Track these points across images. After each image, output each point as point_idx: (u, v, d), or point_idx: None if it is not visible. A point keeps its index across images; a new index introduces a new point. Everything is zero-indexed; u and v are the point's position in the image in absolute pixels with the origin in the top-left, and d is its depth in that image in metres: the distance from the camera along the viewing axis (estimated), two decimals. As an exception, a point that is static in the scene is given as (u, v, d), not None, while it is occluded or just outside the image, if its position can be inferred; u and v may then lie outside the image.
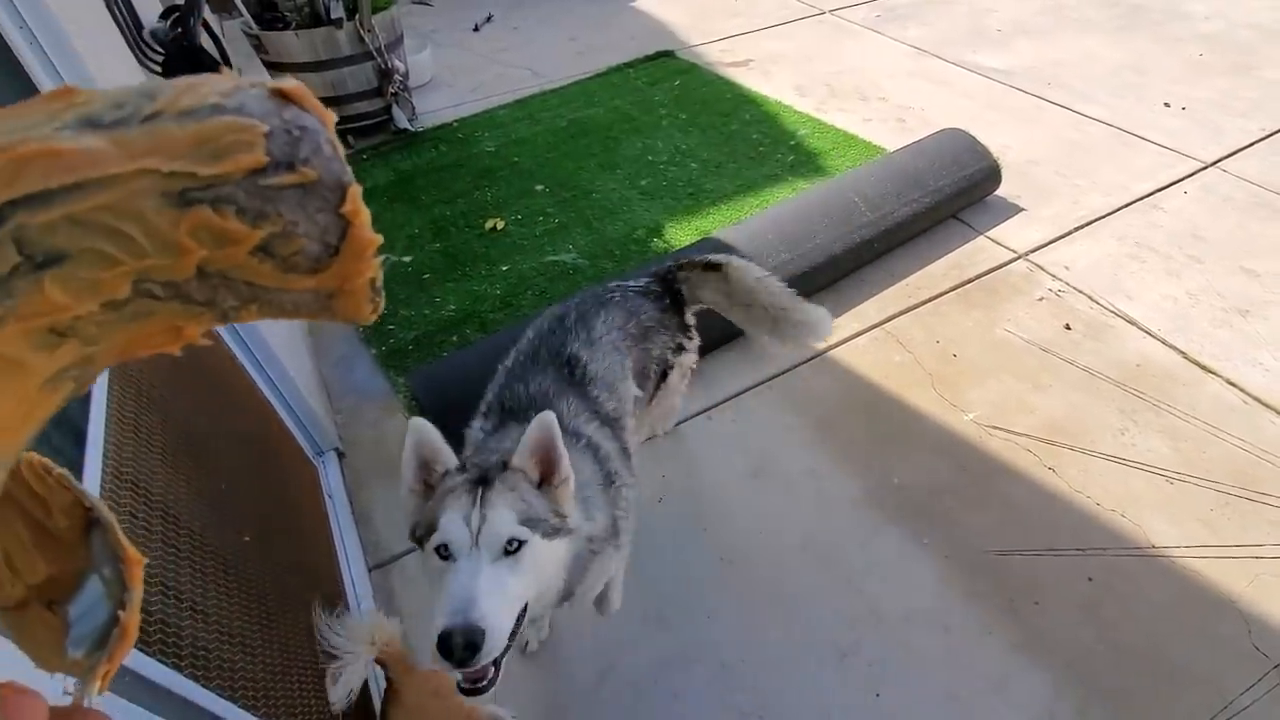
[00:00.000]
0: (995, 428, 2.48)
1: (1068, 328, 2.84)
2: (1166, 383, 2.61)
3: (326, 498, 2.21)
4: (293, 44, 3.65)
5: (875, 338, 2.86)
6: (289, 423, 2.16)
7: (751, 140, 4.05)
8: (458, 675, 1.08)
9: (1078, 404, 2.55)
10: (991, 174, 3.38)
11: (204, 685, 1.13)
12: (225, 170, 0.29)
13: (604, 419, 1.60)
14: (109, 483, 1.16)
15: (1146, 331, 2.82)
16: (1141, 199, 3.50)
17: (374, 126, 4.12)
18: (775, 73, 4.78)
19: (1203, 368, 2.67)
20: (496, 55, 5.17)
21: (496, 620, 1.04)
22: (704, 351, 2.79)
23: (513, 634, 1.10)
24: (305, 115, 0.32)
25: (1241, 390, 2.57)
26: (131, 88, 0.31)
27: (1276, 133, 3.92)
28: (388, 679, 1.54)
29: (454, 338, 2.88)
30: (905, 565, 2.13)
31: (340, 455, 2.42)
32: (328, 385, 2.73)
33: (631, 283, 1.96)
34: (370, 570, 2.13)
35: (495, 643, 1.03)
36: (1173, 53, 4.76)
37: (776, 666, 1.94)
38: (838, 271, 3.04)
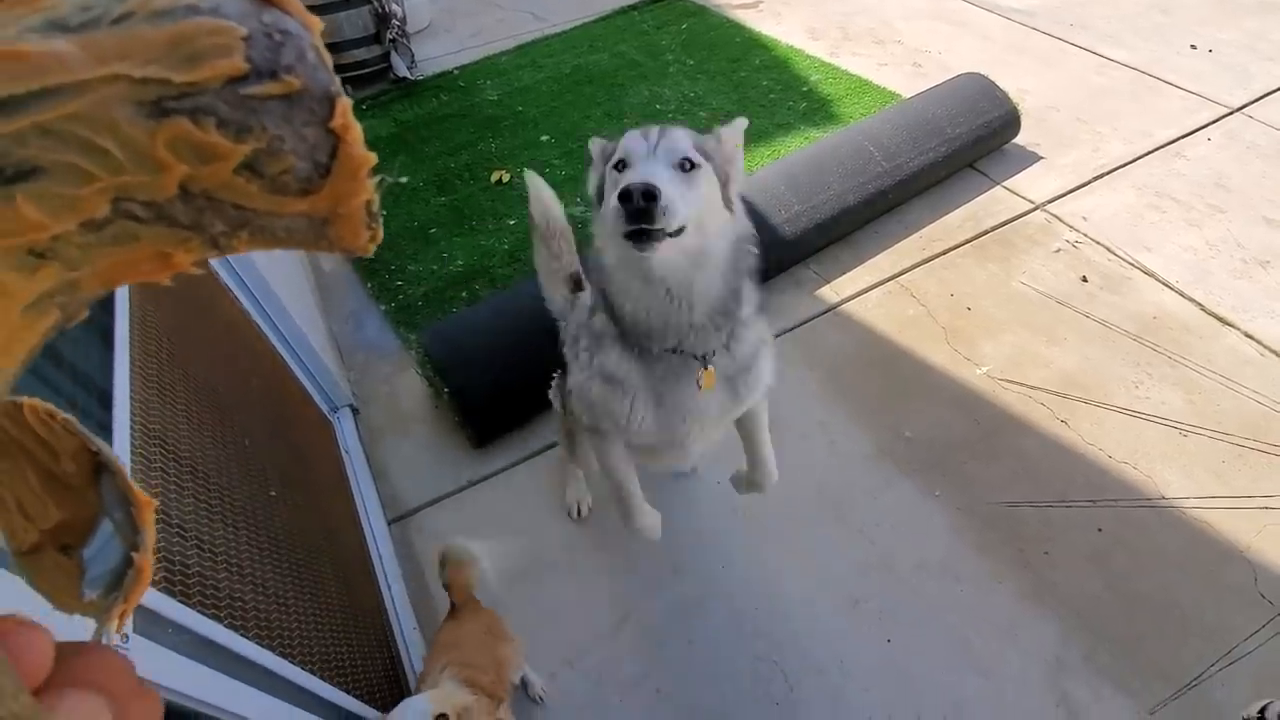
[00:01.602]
0: (1009, 381, 2.48)
1: (1084, 280, 2.81)
2: (1183, 335, 2.60)
3: (343, 454, 2.23)
4: (287, -13, 3.51)
5: (889, 291, 2.83)
6: (303, 380, 2.16)
7: (762, 87, 3.93)
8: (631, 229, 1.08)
9: (1092, 357, 2.54)
10: (1010, 121, 3.28)
11: (244, 635, 1.16)
12: (202, 77, 0.27)
13: None
14: (138, 439, 1.17)
15: (1164, 283, 2.79)
16: (1163, 146, 3.42)
17: (372, 75, 4.00)
18: (786, 15, 4.61)
19: (1220, 319, 2.64)
20: (497, -2, 4.98)
21: (672, 193, 1.06)
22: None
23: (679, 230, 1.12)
24: (287, 19, 0.29)
25: (1259, 342, 2.55)
26: None
27: (1305, 76, 3.80)
28: (451, 603, 1.67)
29: (463, 293, 2.85)
30: (917, 516, 2.16)
31: (355, 411, 2.43)
32: (339, 342, 2.72)
33: None
34: (390, 524, 2.17)
35: (670, 202, 1.05)
36: (1201, -10, 4.57)
37: (790, 614, 1.98)
38: (851, 223, 2.99)
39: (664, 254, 1.11)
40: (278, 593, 1.37)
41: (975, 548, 2.08)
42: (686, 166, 1.14)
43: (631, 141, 1.17)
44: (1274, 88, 3.72)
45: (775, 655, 1.91)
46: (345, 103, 0.30)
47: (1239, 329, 2.60)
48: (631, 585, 2.05)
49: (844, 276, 2.90)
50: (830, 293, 2.84)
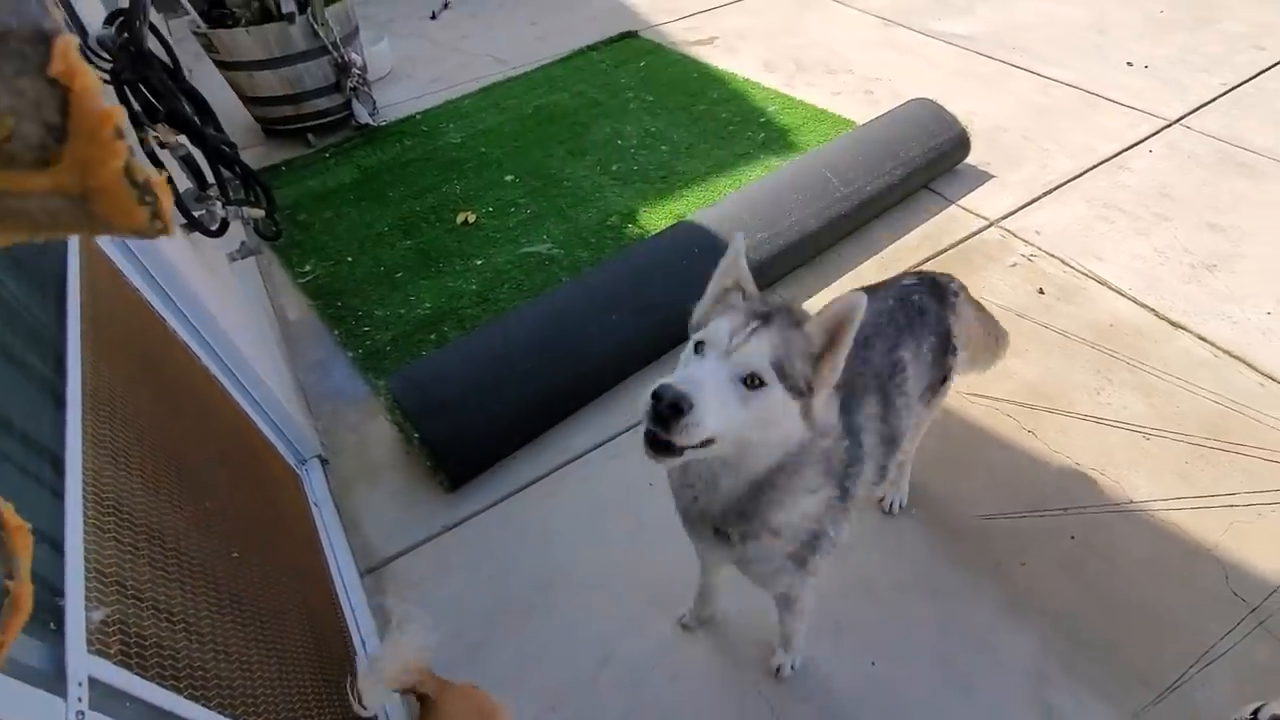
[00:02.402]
0: (975, 395, 2.52)
1: (1041, 292, 2.88)
2: (1139, 340, 2.67)
3: (313, 506, 2.19)
4: (244, 42, 3.55)
5: (854, 312, 2.87)
6: (268, 433, 2.13)
7: (721, 119, 4.02)
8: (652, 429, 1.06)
9: (1054, 367, 2.60)
10: (961, 142, 3.39)
11: (205, 705, 1.12)
12: None
13: (885, 434, 1.54)
14: (91, 506, 1.14)
15: (1118, 291, 2.87)
16: (1108, 160, 3.55)
17: (335, 123, 4.02)
18: (741, 49, 4.74)
19: (1173, 324, 2.72)
20: (457, 43, 5.06)
21: (708, 407, 1.03)
22: (686, 336, 2.80)
23: (705, 442, 1.08)
24: None
25: (1211, 344, 2.63)
26: None
27: (1238, 86, 3.98)
28: (420, 696, 1.52)
29: (432, 336, 2.84)
30: (893, 535, 2.16)
31: (324, 462, 2.39)
32: (305, 392, 2.69)
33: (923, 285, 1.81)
34: (362, 576, 2.12)
35: (700, 419, 1.02)
36: (1135, 9, 4.79)
37: (771, 639, 1.96)
38: (814, 248, 3.05)
39: (676, 462, 1.11)
40: (241, 656, 1.33)
41: (952, 563, 2.09)
42: (753, 383, 1.10)
43: (718, 332, 1.12)
44: (1209, 99, 3.90)
45: (760, 686, 1.89)
46: (67, 41, 0.24)
47: (1192, 332, 2.68)
48: (612, 624, 2.02)
49: (810, 301, 2.94)
50: (797, 317, 2.87)
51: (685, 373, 1.10)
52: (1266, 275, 2.88)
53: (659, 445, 1.06)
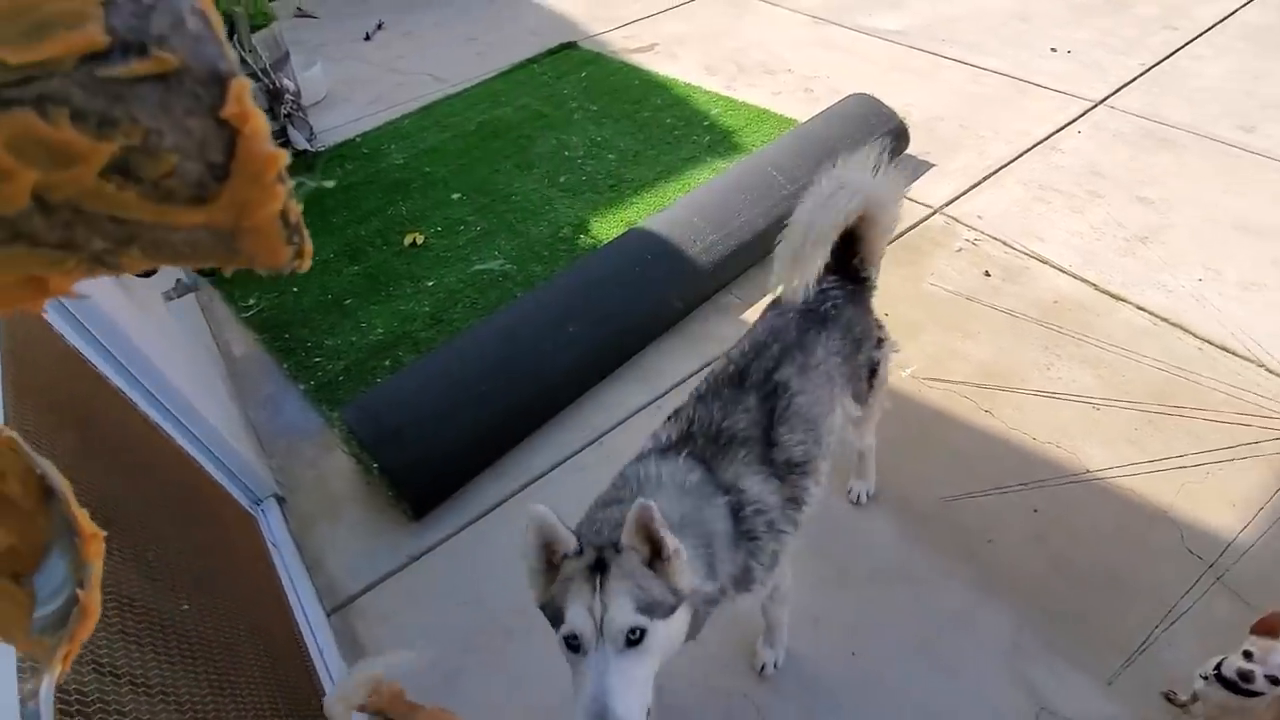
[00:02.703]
0: (932, 379, 2.56)
1: (987, 274, 2.95)
2: (1082, 315, 2.75)
3: (271, 548, 2.10)
4: (172, 73, 3.43)
5: (809, 306, 2.90)
6: (218, 475, 2.04)
7: (666, 125, 4.04)
8: None
9: (1005, 346, 2.66)
10: (900, 134, 3.46)
11: (154, 770, 1.06)
12: (48, 55, 0.22)
13: (780, 467, 1.51)
14: (16, 572, 1.07)
15: (1059, 268, 2.96)
16: (1040, 143, 3.66)
17: (273, 151, 3.92)
18: (681, 54, 4.78)
19: (1113, 296, 2.81)
20: (393, 63, 4.99)
21: (629, 713, 1.10)
22: (644, 343, 2.79)
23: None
24: None
25: (1150, 313, 2.72)
26: None
27: (1155, 66, 4.15)
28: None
29: (386, 362, 2.78)
30: (863, 525, 2.18)
31: (281, 501, 2.31)
32: (257, 429, 2.59)
33: (834, 291, 1.78)
34: (329, 614, 2.05)
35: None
36: (1053, -2, 4.97)
37: (752, 642, 1.95)
38: (765, 247, 3.06)
39: None
40: (197, 708, 1.26)
41: (923, 546, 2.11)
42: (635, 636, 1.14)
43: (579, 620, 1.14)
44: (1128, 79, 4.05)
45: (744, 689, 1.88)
46: (241, 84, 0.24)
47: (1131, 303, 2.77)
48: (590, 639, 1.99)
49: (765, 299, 2.95)
50: (754, 316, 2.88)
51: (586, 691, 1.11)
52: (1194, 243, 3.00)
53: None
